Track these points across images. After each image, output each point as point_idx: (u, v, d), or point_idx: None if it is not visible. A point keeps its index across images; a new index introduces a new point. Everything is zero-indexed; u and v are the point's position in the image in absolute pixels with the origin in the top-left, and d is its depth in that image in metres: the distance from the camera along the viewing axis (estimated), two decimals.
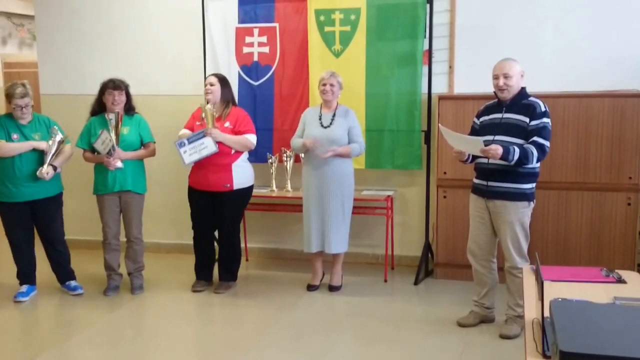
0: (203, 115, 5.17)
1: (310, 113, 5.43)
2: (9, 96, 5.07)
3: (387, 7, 5.70)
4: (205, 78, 5.81)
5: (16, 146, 5.04)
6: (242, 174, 5.32)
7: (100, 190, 5.30)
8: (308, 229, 5.38)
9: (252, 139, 5.30)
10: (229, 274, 5.54)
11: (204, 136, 5.10)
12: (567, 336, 2.04)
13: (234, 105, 5.42)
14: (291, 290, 5.50)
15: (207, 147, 5.11)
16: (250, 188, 5.47)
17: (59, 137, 5.08)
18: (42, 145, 5.06)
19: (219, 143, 5.12)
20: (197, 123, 5.27)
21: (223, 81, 5.35)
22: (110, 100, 5.21)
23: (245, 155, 5.39)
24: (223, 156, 5.18)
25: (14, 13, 10.91)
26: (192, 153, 5.13)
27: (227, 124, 5.23)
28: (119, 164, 5.18)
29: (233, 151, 5.23)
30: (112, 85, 5.23)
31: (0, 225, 5.32)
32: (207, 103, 5.21)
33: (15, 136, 5.09)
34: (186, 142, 5.12)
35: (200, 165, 5.23)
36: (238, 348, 4.38)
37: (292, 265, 6.19)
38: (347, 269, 5.70)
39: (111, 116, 5.15)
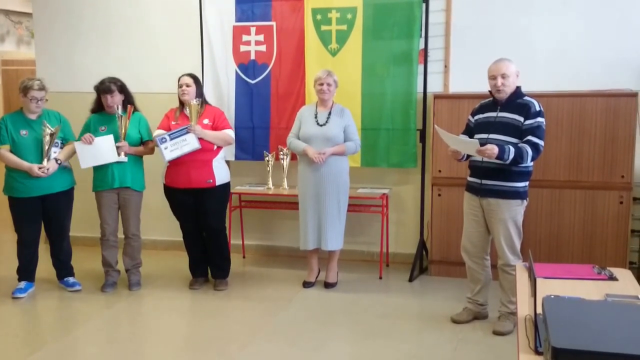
0: (187, 111, 5.17)
1: (306, 111, 5.46)
2: (26, 88, 5.08)
3: (383, 6, 5.73)
4: (201, 76, 5.87)
5: (16, 161, 5.07)
6: (222, 169, 5.37)
7: (99, 186, 5.33)
8: (304, 226, 5.42)
9: (231, 134, 5.38)
10: (223, 272, 5.56)
11: (187, 132, 5.11)
12: (559, 332, 2.07)
13: (206, 103, 5.45)
14: (287, 287, 5.53)
15: (189, 143, 5.10)
16: (229, 184, 5.51)
17: (49, 130, 5.08)
18: (35, 170, 5.06)
19: (199, 139, 5.14)
20: (173, 122, 5.26)
21: (197, 81, 5.36)
22: (105, 103, 5.26)
23: (223, 152, 5.44)
24: (205, 152, 5.20)
25: (12, 10, 10.89)
26: (174, 149, 5.10)
27: (206, 121, 5.25)
28: (124, 158, 5.21)
29: (215, 147, 5.26)
30: (103, 89, 5.25)
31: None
32: (185, 103, 5.24)
33: (24, 132, 5.12)
34: (167, 137, 5.09)
35: (180, 163, 5.19)
36: (234, 343, 4.41)
37: (288, 262, 6.22)
38: (342, 266, 5.74)
39: (120, 112, 5.19)
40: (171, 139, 5.09)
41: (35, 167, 5.05)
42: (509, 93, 4.34)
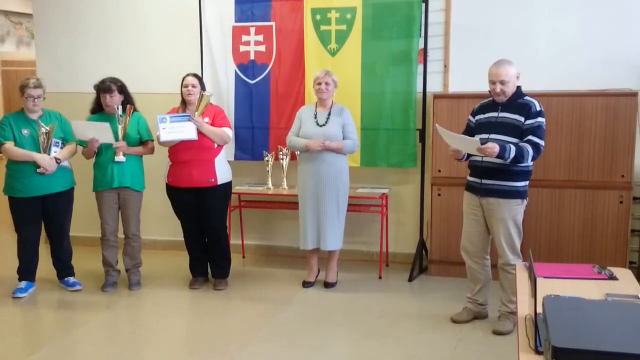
0: (189, 109, 5.21)
1: (306, 111, 5.47)
2: (23, 87, 5.10)
3: (383, 6, 5.74)
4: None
5: (25, 153, 5.07)
6: (224, 168, 5.39)
7: (99, 186, 5.33)
8: (304, 226, 5.42)
9: (229, 133, 5.39)
10: (223, 271, 5.57)
11: (188, 120, 5.12)
12: (559, 332, 2.08)
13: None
14: (287, 287, 5.54)
15: (185, 131, 5.11)
16: (231, 183, 5.52)
17: (44, 129, 5.08)
18: (36, 158, 5.07)
19: (200, 136, 5.14)
20: None
21: (201, 81, 5.39)
22: (103, 102, 5.26)
23: (224, 151, 5.45)
24: (206, 151, 5.22)
25: (12, 11, 10.91)
26: (171, 132, 5.11)
27: (206, 119, 5.26)
28: (122, 158, 5.22)
29: (215, 145, 5.27)
30: (103, 88, 5.26)
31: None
32: (189, 103, 5.29)
33: (25, 131, 5.13)
34: (168, 118, 5.11)
35: (182, 162, 5.22)
36: (234, 343, 4.42)
37: (287, 262, 6.22)
38: (342, 265, 5.74)
39: (120, 111, 5.19)
40: (171, 121, 5.11)
41: (45, 156, 5.07)
42: (509, 96, 4.34)
